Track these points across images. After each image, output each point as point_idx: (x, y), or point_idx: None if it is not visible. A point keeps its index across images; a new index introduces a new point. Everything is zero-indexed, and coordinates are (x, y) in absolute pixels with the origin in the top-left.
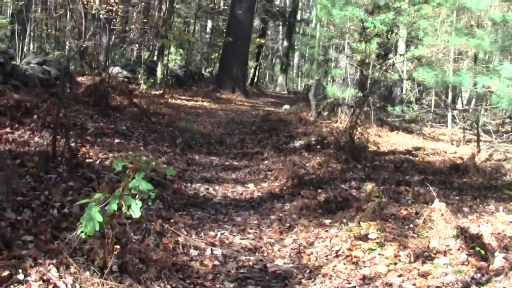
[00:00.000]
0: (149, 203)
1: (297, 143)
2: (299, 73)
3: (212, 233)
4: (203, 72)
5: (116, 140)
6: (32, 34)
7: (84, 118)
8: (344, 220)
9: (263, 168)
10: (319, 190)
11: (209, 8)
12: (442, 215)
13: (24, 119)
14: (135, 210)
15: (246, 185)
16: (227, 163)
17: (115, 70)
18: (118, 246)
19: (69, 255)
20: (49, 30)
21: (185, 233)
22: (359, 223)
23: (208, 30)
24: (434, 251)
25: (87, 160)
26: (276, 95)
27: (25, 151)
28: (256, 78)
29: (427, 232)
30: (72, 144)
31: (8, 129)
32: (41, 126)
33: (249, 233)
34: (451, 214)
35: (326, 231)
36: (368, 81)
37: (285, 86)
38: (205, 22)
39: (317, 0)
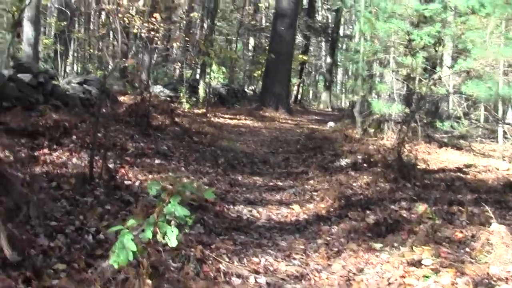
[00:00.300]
0: (187, 230)
1: (343, 162)
2: (343, 89)
3: (255, 260)
4: (246, 90)
5: (157, 161)
6: (75, 54)
7: (125, 138)
8: (395, 244)
9: (308, 188)
10: (368, 212)
11: (251, 25)
12: (502, 238)
13: (63, 140)
14: (171, 238)
15: (291, 207)
16: (271, 184)
17: (157, 89)
18: (149, 281)
19: (102, 285)
20: (91, 50)
21: (227, 259)
22: (412, 248)
23: (250, 47)
24: (495, 278)
25: (125, 182)
26: (320, 112)
27: (62, 173)
28: (299, 96)
29: (486, 257)
30: (111, 165)
31: (46, 150)
32: (80, 146)
33: (294, 258)
34: None
35: (377, 256)
36: (414, 96)
37: (329, 103)
38: (247, 39)
39: (361, 14)
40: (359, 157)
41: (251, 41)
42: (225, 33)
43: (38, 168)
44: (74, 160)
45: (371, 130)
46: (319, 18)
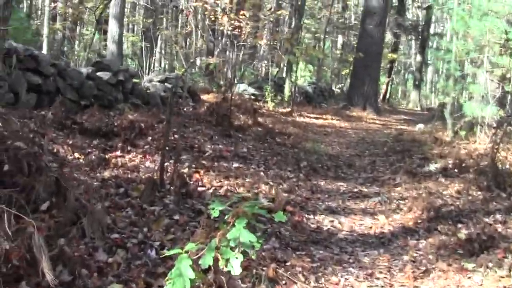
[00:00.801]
0: (253, 256)
1: (432, 167)
2: (433, 88)
3: (334, 279)
4: (333, 88)
5: (235, 165)
6: (162, 51)
7: (203, 140)
8: (490, 265)
9: (395, 196)
10: (459, 225)
11: (340, 23)
12: None
13: (138, 141)
14: (235, 265)
15: (375, 217)
16: (355, 190)
17: (241, 87)
18: None
19: None
20: (177, 48)
21: (303, 279)
22: (510, 270)
23: (339, 45)
24: None
25: (199, 189)
26: (409, 111)
27: (132, 178)
28: (388, 94)
29: None
30: (185, 170)
31: (118, 152)
32: (155, 149)
33: (377, 278)
34: None
35: (469, 278)
36: (510, 98)
37: (418, 102)
38: (336, 37)
39: (454, 12)
40: (450, 162)
41: (340, 39)
42: (313, 31)
43: (107, 172)
44: (147, 163)
45: (463, 133)
46: (409, 16)
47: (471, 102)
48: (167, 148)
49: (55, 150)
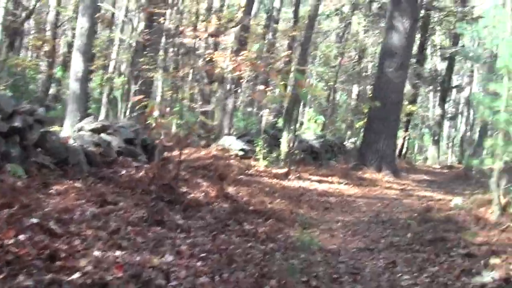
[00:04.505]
0: None
1: (487, 277)
2: (449, 144)
3: None
4: (345, 143)
5: None
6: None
7: (95, 235)
8: None
9: None
10: None
11: (355, 72)
12: None
13: None
14: None
15: None
16: None
17: (228, 141)
18: None
19: None
20: (171, 93)
21: None
22: None
23: (354, 95)
24: None
25: None
26: (428, 170)
27: None
28: (404, 150)
29: None
30: None
31: None
32: None
33: None
34: None
35: None
36: None
37: (437, 159)
38: (351, 86)
39: (508, 42)
40: None
41: (355, 89)
42: (326, 79)
43: None
44: None
45: None
46: (427, 66)
47: None
48: None
49: None
